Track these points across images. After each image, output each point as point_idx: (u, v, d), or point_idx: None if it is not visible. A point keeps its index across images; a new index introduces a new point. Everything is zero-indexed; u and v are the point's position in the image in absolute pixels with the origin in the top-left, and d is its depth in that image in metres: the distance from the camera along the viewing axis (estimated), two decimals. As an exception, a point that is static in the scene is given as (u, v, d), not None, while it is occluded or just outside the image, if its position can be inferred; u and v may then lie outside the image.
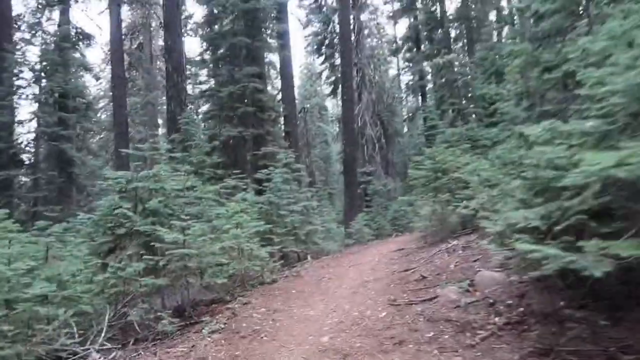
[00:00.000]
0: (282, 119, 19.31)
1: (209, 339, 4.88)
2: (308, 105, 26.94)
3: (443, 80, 16.60)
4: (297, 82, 28.75)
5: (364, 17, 26.07)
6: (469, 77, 15.79)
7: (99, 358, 4.77)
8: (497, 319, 3.91)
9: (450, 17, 22.22)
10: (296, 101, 22.45)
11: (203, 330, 5.11)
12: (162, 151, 7.65)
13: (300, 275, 8.11)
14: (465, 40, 22.79)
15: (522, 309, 3.93)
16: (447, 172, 8.93)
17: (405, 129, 28.96)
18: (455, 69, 16.37)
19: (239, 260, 7.14)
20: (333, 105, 36.73)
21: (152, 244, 5.96)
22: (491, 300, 4.29)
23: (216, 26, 17.66)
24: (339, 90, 25.15)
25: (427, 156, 9.19)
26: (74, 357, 4.68)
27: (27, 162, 19.04)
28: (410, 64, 26.96)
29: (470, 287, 4.90)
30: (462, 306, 4.38)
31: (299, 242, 10.82)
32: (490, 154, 6.90)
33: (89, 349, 4.93)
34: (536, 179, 3.70)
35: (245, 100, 15.18)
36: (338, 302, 5.98)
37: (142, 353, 4.88)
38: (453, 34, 23.89)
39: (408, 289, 5.70)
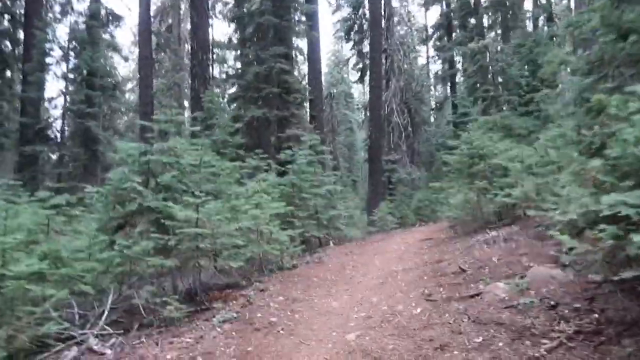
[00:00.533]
0: (307, 104, 18.58)
1: (218, 329, 4.24)
2: (334, 91, 26.08)
3: (476, 66, 15.58)
4: (324, 69, 27.85)
5: (395, 3, 25.04)
6: (505, 63, 14.72)
7: (97, 344, 4.17)
8: (564, 325, 3.14)
9: (485, 4, 21.01)
10: (323, 86, 21.62)
11: (213, 319, 4.46)
12: (182, 124, 7.03)
13: (322, 262, 7.42)
14: (499, 29, 21.58)
15: (595, 315, 3.15)
16: (485, 158, 8.09)
17: (432, 119, 27.86)
18: (490, 56, 15.30)
19: (257, 243, 6.49)
20: (359, 93, 35.82)
21: (163, 221, 5.33)
22: (552, 302, 3.52)
23: (244, 9, 16.98)
24: (367, 77, 24.26)
25: (463, 140, 8.35)
26: (66, 344, 4.08)
27: (53, 139, 18.76)
28: (441, 53, 25.82)
29: (522, 284, 4.13)
30: (516, 307, 3.62)
31: (321, 226, 10.14)
32: (554, 129, 6.02)
33: (86, 333, 4.34)
34: (624, 158, 2.91)
35: (271, 82, 14.49)
36: (364, 293, 5.28)
37: (145, 341, 4.26)
38: (486, 22, 22.69)
39: (445, 283, 4.95)
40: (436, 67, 28.95)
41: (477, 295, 4.28)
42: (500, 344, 3.14)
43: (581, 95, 4.75)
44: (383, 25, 22.16)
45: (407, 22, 26.00)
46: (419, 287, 5.03)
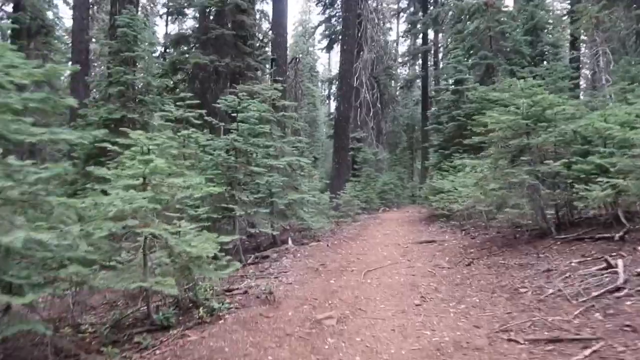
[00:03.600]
0: (268, 66, 14.38)
1: None
2: (300, 55, 21.84)
3: (473, 28, 11.85)
4: (289, 40, 23.40)
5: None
6: (508, 26, 11.14)
7: None
8: None
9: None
10: (287, 51, 17.36)
11: None
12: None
13: (273, 299, 3.45)
14: None
15: None
16: (555, 123, 4.41)
17: (399, 99, 24.21)
18: (490, 16, 11.62)
19: (128, 270, 2.53)
20: (324, 70, 31.67)
21: None
22: None
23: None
24: (335, 46, 20.36)
25: (517, 93, 4.61)
26: None
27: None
28: (413, 29, 22.02)
29: None
30: None
31: (277, 216, 6.28)
32: None
33: None
34: None
35: (223, 22, 10.29)
36: None
37: None
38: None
39: None
40: (404, 48, 25.37)
41: None
42: None
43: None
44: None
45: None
46: None
